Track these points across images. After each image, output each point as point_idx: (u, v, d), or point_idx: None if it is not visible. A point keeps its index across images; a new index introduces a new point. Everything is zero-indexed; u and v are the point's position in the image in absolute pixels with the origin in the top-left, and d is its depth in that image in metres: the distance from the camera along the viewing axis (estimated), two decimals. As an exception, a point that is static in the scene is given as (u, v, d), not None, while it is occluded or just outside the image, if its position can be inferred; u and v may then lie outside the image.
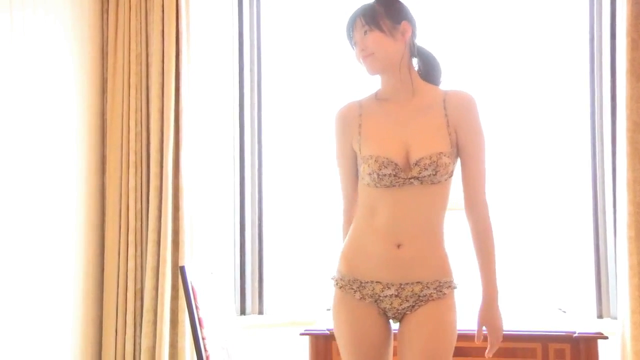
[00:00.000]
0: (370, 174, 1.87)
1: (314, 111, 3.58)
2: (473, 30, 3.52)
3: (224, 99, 3.48)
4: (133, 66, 3.25)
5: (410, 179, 1.85)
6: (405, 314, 1.90)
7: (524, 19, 3.50)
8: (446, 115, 1.88)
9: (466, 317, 2.20)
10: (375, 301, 1.90)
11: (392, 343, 1.96)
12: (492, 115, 3.49)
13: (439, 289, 1.87)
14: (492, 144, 3.45)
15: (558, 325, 2.63)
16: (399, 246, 1.86)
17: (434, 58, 2.00)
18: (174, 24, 3.20)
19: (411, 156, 1.85)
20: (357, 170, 1.98)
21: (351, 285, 1.91)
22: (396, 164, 1.85)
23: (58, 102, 2.96)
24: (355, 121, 1.95)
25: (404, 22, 1.90)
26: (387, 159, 1.85)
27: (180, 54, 3.20)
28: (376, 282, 1.89)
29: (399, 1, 1.95)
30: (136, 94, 3.25)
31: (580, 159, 3.41)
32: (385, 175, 1.85)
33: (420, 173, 1.83)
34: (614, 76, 3.20)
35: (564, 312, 2.92)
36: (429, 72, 1.98)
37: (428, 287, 1.87)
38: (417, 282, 1.87)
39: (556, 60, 3.48)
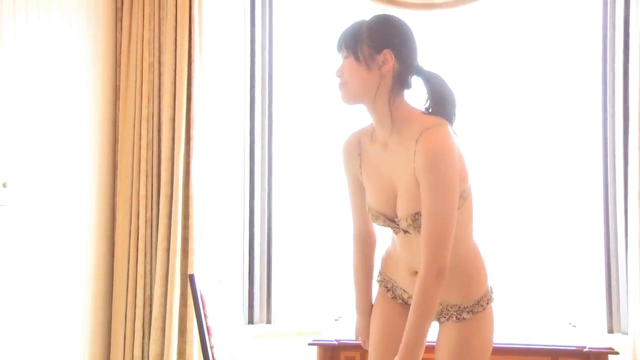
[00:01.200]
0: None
1: (325, 123, 3.58)
2: (488, 37, 3.52)
3: (236, 108, 3.49)
4: (145, 75, 3.27)
5: (402, 228, 1.80)
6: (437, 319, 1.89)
7: (537, 24, 3.48)
8: (414, 167, 1.70)
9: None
10: (406, 303, 1.91)
11: None
12: (502, 123, 3.49)
13: (459, 314, 1.82)
14: (502, 154, 3.47)
15: (568, 340, 2.61)
16: (415, 273, 1.81)
17: (443, 86, 1.76)
18: (186, 33, 3.22)
19: (397, 210, 1.80)
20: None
21: (385, 284, 1.96)
22: (386, 217, 1.83)
23: (70, 109, 2.98)
24: (356, 160, 1.89)
25: (385, 52, 1.71)
26: (377, 211, 1.84)
27: (192, 63, 3.22)
28: (403, 290, 1.91)
29: (390, 24, 1.76)
30: (148, 102, 3.27)
31: (591, 169, 3.39)
32: (380, 224, 1.87)
33: (407, 228, 1.78)
34: (626, 82, 3.18)
35: (575, 326, 2.89)
36: (437, 104, 1.75)
37: (448, 310, 1.84)
38: (438, 304, 1.81)
39: (568, 66, 3.46)
